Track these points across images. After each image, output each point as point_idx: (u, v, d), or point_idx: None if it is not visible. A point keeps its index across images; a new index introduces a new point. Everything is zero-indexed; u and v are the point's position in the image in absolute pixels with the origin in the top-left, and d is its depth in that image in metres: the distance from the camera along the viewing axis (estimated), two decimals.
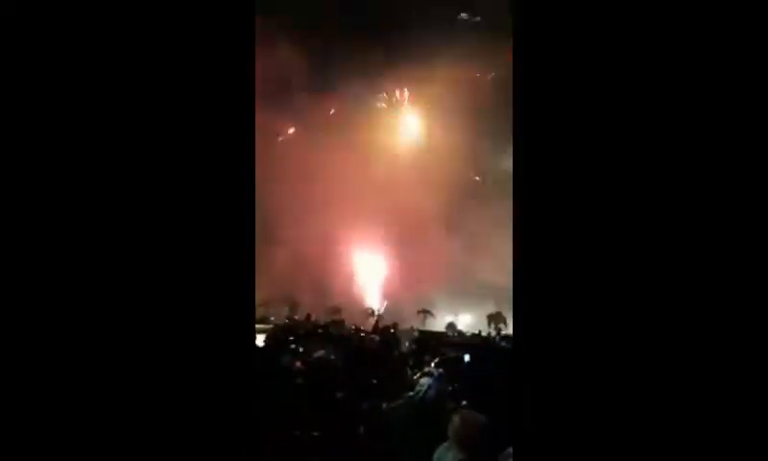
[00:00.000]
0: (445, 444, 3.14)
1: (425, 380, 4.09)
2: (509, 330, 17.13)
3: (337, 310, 17.59)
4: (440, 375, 4.21)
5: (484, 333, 16.16)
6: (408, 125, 22.64)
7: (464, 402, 4.26)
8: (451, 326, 18.17)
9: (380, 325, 13.01)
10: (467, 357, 6.76)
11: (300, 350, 6.19)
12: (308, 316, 14.75)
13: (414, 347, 8.76)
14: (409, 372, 6.14)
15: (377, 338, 8.57)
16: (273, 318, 15.02)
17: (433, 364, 5.26)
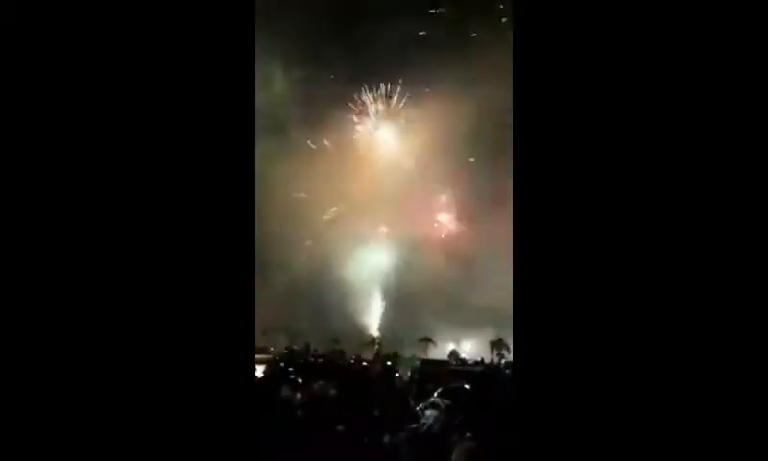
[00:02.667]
0: None
1: (430, 413, 3.95)
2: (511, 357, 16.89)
3: (337, 340, 17.37)
4: (445, 406, 4.08)
5: (487, 361, 15.93)
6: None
7: (468, 434, 4.11)
8: (453, 353, 17.94)
9: (381, 354, 12.82)
10: (468, 387, 6.60)
11: (300, 381, 6.05)
12: (307, 346, 14.55)
13: (416, 376, 8.59)
14: (412, 403, 5.98)
15: (378, 368, 8.41)
16: (272, 348, 14.81)
17: (436, 394, 5.12)
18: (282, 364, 8.38)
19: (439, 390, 5.93)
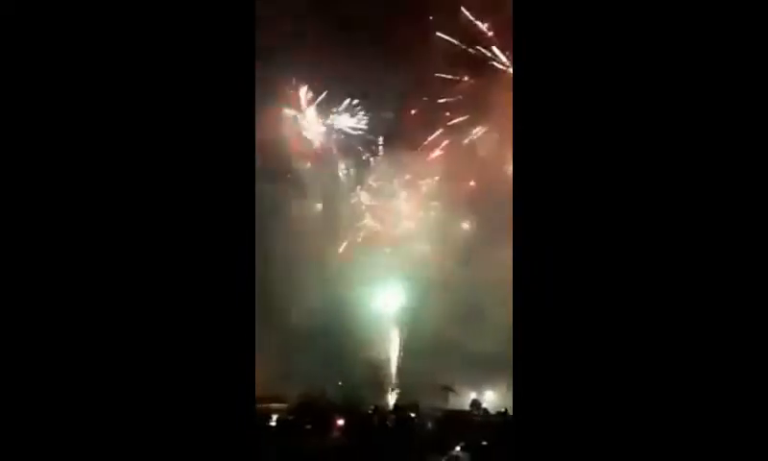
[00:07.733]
0: None
1: None
2: None
3: (354, 387, 16.88)
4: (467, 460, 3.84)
5: (511, 412, 15.28)
6: None
7: None
8: (475, 403, 17.24)
9: (400, 403, 12.40)
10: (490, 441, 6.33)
11: (315, 431, 5.82)
12: (323, 394, 14.16)
13: (436, 428, 8.24)
14: (431, 456, 5.69)
15: (397, 418, 8.10)
16: (287, 397, 14.44)
17: (458, 448, 4.85)
18: (292, 417, 8.14)
19: (461, 444, 5.63)
